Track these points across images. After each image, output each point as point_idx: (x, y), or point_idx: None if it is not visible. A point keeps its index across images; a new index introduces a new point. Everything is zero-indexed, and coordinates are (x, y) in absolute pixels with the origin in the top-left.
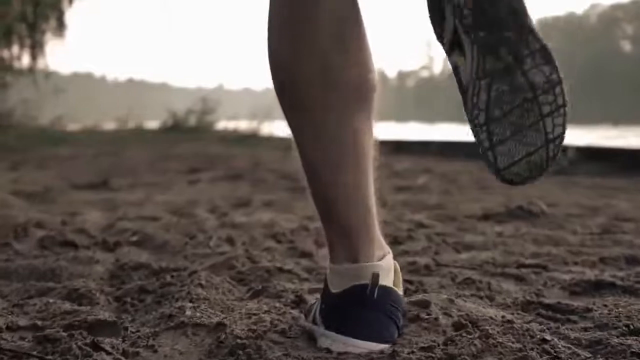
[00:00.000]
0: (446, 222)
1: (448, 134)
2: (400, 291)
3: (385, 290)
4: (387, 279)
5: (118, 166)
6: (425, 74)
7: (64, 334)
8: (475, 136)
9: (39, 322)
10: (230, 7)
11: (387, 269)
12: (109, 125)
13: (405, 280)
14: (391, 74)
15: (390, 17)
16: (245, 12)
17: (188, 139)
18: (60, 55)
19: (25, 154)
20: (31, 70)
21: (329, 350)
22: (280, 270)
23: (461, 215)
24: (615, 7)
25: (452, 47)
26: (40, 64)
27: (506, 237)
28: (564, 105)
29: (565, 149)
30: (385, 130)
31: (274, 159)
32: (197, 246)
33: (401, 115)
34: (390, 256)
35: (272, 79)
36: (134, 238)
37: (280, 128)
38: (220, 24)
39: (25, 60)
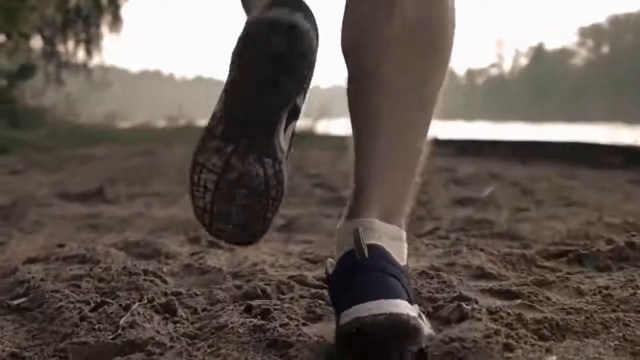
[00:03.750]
0: (520, 269)
1: (519, 134)
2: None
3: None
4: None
5: (138, 169)
6: (494, 71)
7: None
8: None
9: None
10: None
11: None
12: (161, 123)
13: None
14: (460, 71)
15: (459, 14)
16: (321, 9)
17: None
18: (129, 53)
19: (48, 154)
20: (85, 65)
21: None
22: None
23: (541, 253)
24: None
25: None
26: (96, 59)
27: (617, 303)
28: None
29: None
30: (450, 129)
31: (320, 161)
32: (99, 323)
33: (469, 114)
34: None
35: None
36: (19, 301)
37: (337, 126)
38: None
39: (81, 55)
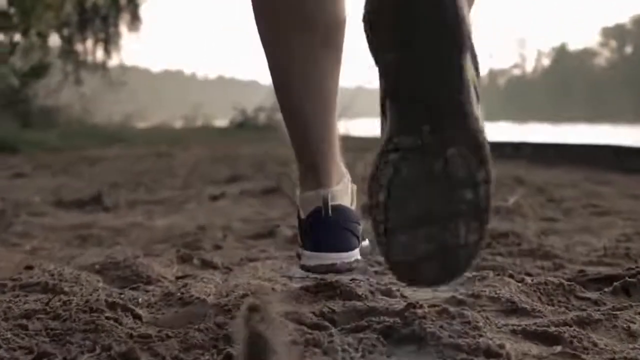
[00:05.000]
0: (557, 302)
1: (542, 135)
2: (353, 207)
3: (339, 208)
4: (342, 200)
5: (147, 172)
6: (516, 72)
7: None
8: (371, 216)
9: None
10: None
11: (342, 191)
12: (178, 123)
13: None
14: (482, 72)
15: (481, 14)
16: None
17: (253, 138)
18: (151, 53)
19: (57, 156)
20: (103, 65)
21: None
22: None
23: (578, 278)
24: None
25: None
26: (115, 59)
27: None
28: (485, 210)
29: None
30: None
31: None
32: None
33: (490, 115)
34: (346, 179)
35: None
36: None
37: (358, 127)
38: None
39: (100, 54)
